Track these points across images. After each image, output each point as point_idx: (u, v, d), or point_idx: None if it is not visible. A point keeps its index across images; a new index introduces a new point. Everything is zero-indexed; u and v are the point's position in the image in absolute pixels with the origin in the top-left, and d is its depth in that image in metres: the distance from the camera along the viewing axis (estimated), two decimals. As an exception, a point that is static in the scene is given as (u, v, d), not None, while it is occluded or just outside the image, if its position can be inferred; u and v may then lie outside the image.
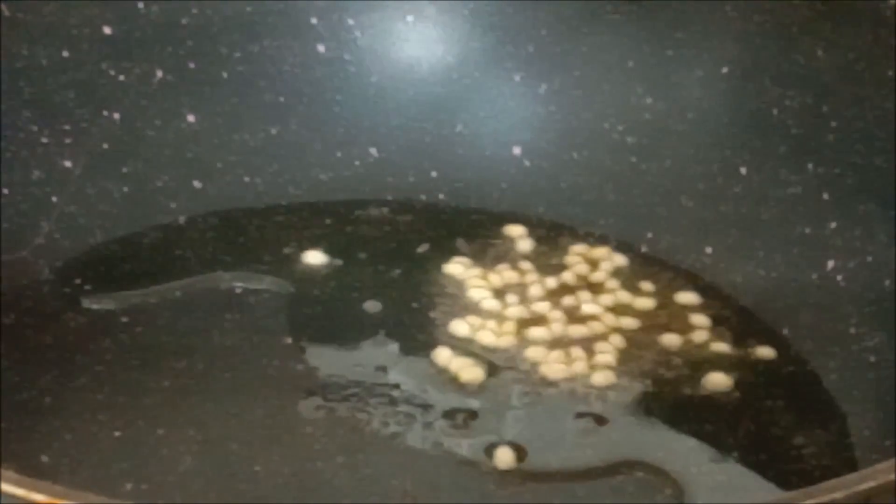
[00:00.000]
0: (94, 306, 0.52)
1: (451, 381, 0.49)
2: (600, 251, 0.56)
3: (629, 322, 0.52)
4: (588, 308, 0.53)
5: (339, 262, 0.55)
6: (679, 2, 0.57)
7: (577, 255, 0.55)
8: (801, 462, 0.47)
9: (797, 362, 0.51)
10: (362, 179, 0.58)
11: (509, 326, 0.52)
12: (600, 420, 0.48)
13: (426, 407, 0.48)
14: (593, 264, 0.55)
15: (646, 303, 0.53)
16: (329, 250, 0.55)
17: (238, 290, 0.53)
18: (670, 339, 0.51)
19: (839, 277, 0.52)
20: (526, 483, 0.45)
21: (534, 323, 0.52)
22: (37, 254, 0.53)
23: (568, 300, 0.53)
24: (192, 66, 0.58)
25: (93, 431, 0.46)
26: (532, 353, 0.50)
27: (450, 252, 0.55)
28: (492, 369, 0.50)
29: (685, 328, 0.52)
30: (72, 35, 0.56)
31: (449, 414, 0.48)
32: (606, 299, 0.53)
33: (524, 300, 0.53)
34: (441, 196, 0.58)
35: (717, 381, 0.50)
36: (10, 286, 0.52)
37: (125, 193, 0.56)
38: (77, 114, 0.56)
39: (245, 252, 0.55)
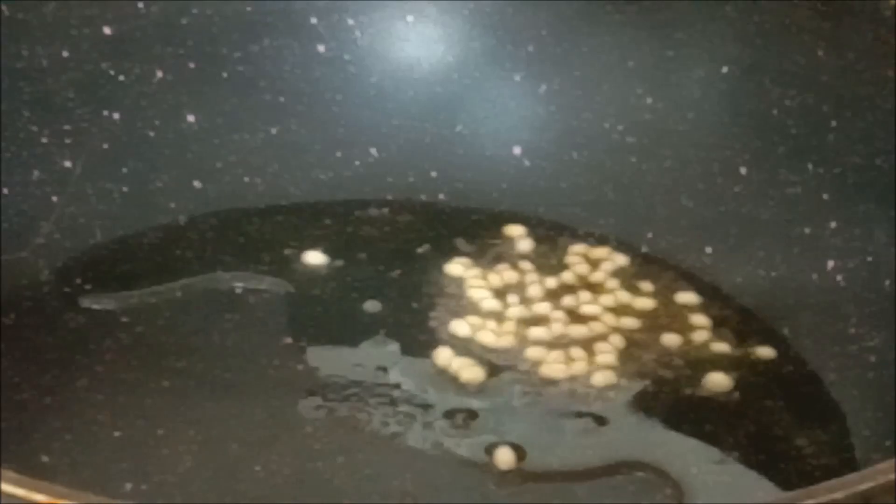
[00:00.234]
0: (94, 306, 0.52)
1: (451, 381, 0.49)
2: (600, 251, 0.56)
3: (629, 322, 0.52)
4: (588, 308, 0.53)
5: (339, 262, 0.55)
6: (679, 2, 0.57)
7: (577, 255, 0.55)
8: (801, 462, 0.47)
9: (797, 362, 0.51)
10: (362, 179, 0.58)
11: (509, 326, 0.52)
12: (600, 420, 0.48)
13: (426, 407, 0.48)
14: (593, 264, 0.55)
15: (646, 303, 0.53)
16: (329, 250, 0.55)
17: (238, 290, 0.53)
18: (670, 339, 0.51)
19: (839, 277, 0.52)
20: (526, 483, 0.45)
21: (534, 323, 0.52)
22: (37, 254, 0.53)
23: (568, 300, 0.53)
24: (192, 66, 0.58)
25: (93, 431, 0.46)
26: (532, 353, 0.50)
27: (450, 252, 0.55)
28: (492, 369, 0.50)
29: (685, 328, 0.52)
30: (72, 35, 0.56)
31: (449, 414, 0.48)
32: (606, 299, 0.53)
33: (524, 300, 0.53)
34: (441, 196, 0.58)
35: (717, 381, 0.50)
36: (10, 286, 0.52)
37: (125, 193, 0.56)
38: (77, 114, 0.56)
39: (245, 252, 0.55)
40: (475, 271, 0.54)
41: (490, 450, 0.46)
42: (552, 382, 0.49)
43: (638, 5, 0.57)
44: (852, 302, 0.51)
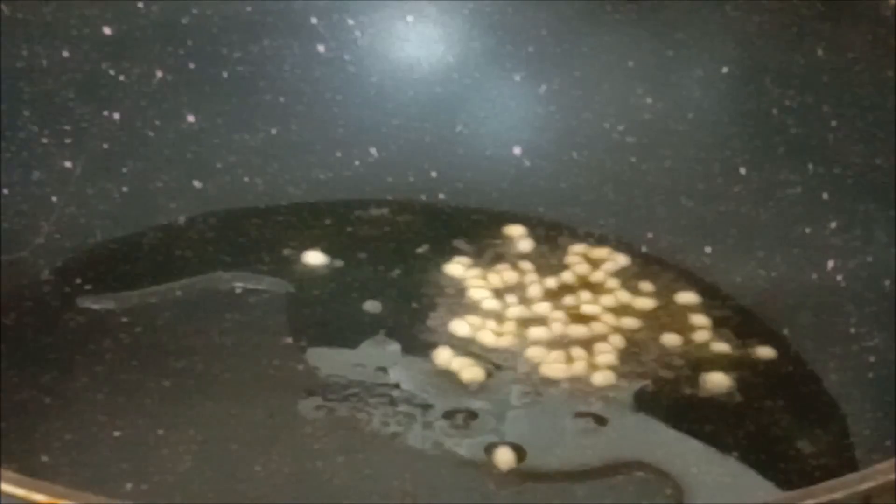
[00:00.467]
0: (94, 306, 0.52)
1: (451, 381, 0.49)
2: (600, 251, 0.56)
3: (629, 322, 0.52)
4: (588, 308, 0.53)
5: (339, 262, 0.55)
6: (679, 2, 0.57)
7: (577, 255, 0.55)
8: (801, 462, 0.47)
9: (797, 362, 0.51)
10: (362, 179, 0.58)
11: (509, 326, 0.52)
12: (600, 420, 0.48)
13: (426, 407, 0.48)
14: (593, 264, 0.55)
15: (646, 303, 0.53)
16: (329, 250, 0.55)
17: (238, 290, 0.53)
18: (670, 339, 0.51)
19: (839, 277, 0.52)
20: (526, 483, 0.45)
21: (534, 323, 0.52)
22: (37, 254, 0.53)
23: (568, 300, 0.53)
24: (192, 66, 0.58)
25: (93, 431, 0.46)
26: (532, 353, 0.50)
27: (450, 252, 0.55)
28: (492, 369, 0.50)
29: (685, 328, 0.52)
30: (72, 35, 0.56)
31: (449, 414, 0.48)
32: (606, 299, 0.53)
33: (524, 300, 0.53)
34: (441, 196, 0.58)
35: (717, 381, 0.50)
36: (10, 286, 0.52)
37: (125, 193, 0.56)
38: (77, 114, 0.56)
39: (245, 252, 0.55)
40: (475, 271, 0.54)
41: (490, 450, 0.46)
42: (552, 382, 0.49)
43: (638, 5, 0.57)
44: (852, 302, 0.51)
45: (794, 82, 0.54)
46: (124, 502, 0.40)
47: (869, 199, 0.52)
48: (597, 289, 0.54)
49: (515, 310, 0.52)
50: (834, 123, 0.53)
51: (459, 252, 0.55)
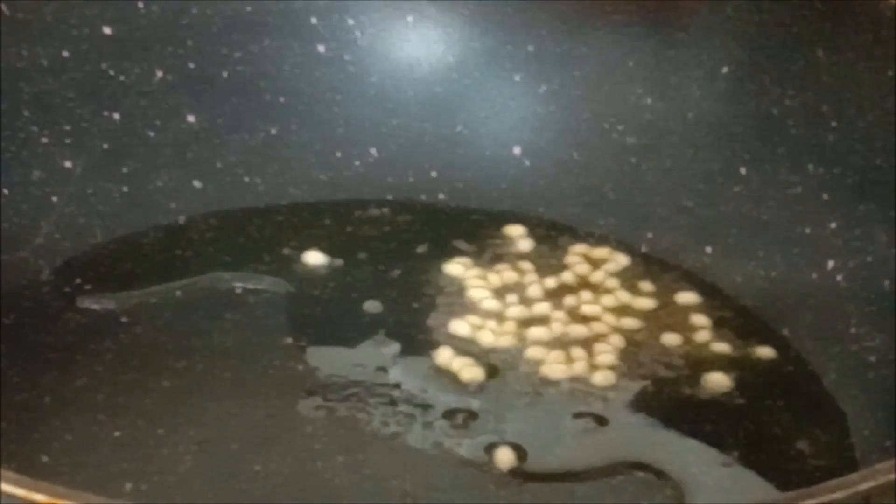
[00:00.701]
0: (94, 306, 0.52)
1: (451, 381, 0.49)
2: (600, 251, 0.56)
3: (629, 322, 0.52)
4: (588, 308, 0.53)
5: (339, 262, 0.55)
6: (679, 2, 0.57)
7: (577, 255, 0.55)
8: (801, 462, 0.47)
9: (797, 362, 0.51)
10: (362, 179, 0.58)
11: (509, 326, 0.52)
12: (600, 420, 0.48)
13: (426, 407, 0.48)
14: (593, 264, 0.55)
15: (646, 303, 0.53)
16: (329, 250, 0.55)
17: (238, 290, 0.53)
18: (671, 339, 0.51)
19: (839, 277, 0.52)
20: (526, 483, 0.45)
21: (534, 323, 0.52)
22: (37, 254, 0.53)
23: (568, 300, 0.53)
24: (192, 66, 0.58)
25: (93, 431, 0.46)
26: (532, 353, 0.50)
27: (450, 252, 0.55)
28: (492, 369, 0.50)
29: (685, 328, 0.52)
30: (72, 35, 0.56)
31: (449, 414, 0.48)
32: (607, 299, 0.53)
33: (524, 300, 0.53)
34: (441, 196, 0.58)
35: (717, 381, 0.50)
36: (10, 286, 0.52)
37: (125, 193, 0.56)
38: (77, 114, 0.56)
39: (245, 252, 0.55)
40: (475, 271, 0.54)
41: (490, 450, 0.46)
42: (552, 382, 0.49)
43: (638, 5, 0.57)
44: (852, 302, 0.51)
45: (794, 82, 0.54)
46: (124, 502, 0.40)
47: (869, 199, 0.52)
48: (597, 289, 0.54)
49: (515, 310, 0.52)
50: (834, 123, 0.53)
51: (459, 252, 0.55)
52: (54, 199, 0.55)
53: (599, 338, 0.51)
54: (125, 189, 0.56)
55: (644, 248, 0.56)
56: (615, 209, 0.57)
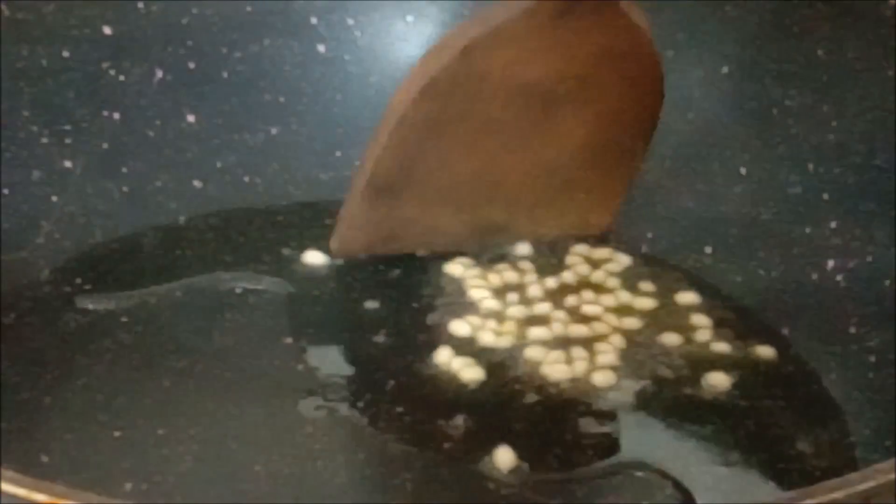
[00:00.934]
0: (94, 306, 0.52)
1: (451, 381, 0.49)
2: (601, 251, 0.56)
3: (630, 322, 0.52)
4: (588, 308, 0.53)
5: (339, 262, 0.55)
6: (679, 2, 0.57)
7: (577, 256, 0.55)
8: (801, 462, 0.47)
9: (797, 362, 0.51)
10: (362, 179, 0.58)
11: (509, 326, 0.52)
12: (601, 420, 0.48)
13: (426, 407, 0.48)
14: (594, 264, 0.55)
15: (646, 303, 0.53)
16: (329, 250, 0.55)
17: (238, 290, 0.53)
18: (671, 339, 0.51)
19: (839, 277, 0.52)
20: (526, 483, 0.45)
21: (534, 323, 0.52)
22: (37, 254, 0.53)
23: (568, 300, 0.53)
24: (192, 66, 0.58)
25: (93, 431, 0.46)
26: (532, 353, 0.50)
27: (450, 252, 0.55)
28: (492, 369, 0.50)
29: (686, 328, 0.52)
30: (72, 35, 0.56)
31: (449, 414, 0.48)
32: (607, 299, 0.53)
33: (524, 300, 0.53)
34: (441, 196, 0.58)
35: (717, 381, 0.50)
36: (10, 286, 0.52)
37: (125, 193, 0.56)
38: (77, 114, 0.56)
39: (245, 252, 0.55)
40: (475, 271, 0.54)
41: (490, 450, 0.46)
42: (552, 382, 0.49)
43: (638, 5, 0.57)
44: (852, 302, 0.51)
45: (794, 82, 0.54)
46: (124, 502, 0.40)
47: (869, 199, 0.52)
48: (597, 289, 0.54)
49: (515, 310, 0.52)
50: (834, 123, 0.53)
51: (459, 252, 0.55)
52: (54, 199, 0.55)
53: (600, 338, 0.51)
54: (125, 189, 0.56)
55: (644, 248, 0.56)
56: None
